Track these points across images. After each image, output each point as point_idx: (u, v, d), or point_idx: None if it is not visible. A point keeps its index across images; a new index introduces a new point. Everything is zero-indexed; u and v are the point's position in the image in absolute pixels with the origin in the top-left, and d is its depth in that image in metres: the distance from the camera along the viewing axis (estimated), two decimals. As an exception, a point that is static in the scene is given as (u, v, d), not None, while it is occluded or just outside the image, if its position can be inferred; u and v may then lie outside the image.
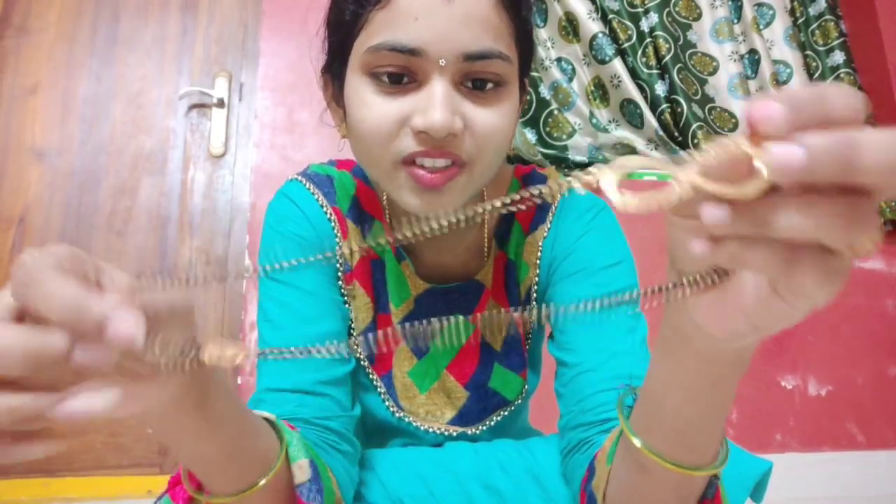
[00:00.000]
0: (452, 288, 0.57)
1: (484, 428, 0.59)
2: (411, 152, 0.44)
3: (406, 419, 0.58)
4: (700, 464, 0.36)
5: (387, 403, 0.58)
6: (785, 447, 1.58)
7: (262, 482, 0.38)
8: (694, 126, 1.66)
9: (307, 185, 0.56)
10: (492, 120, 0.45)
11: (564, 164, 1.65)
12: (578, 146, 1.66)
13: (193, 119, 1.66)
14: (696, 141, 1.66)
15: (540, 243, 0.56)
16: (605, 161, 1.69)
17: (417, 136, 0.44)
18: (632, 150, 1.73)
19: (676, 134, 1.70)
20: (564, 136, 1.66)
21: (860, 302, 1.70)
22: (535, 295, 0.58)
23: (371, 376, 0.59)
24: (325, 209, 0.55)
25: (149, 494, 1.42)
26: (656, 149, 1.72)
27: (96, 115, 1.61)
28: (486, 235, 0.56)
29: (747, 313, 0.24)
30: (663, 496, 0.38)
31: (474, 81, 0.45)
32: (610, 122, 1.76)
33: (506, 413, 0.59)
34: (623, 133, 1.74)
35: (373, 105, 0.45)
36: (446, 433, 0.58)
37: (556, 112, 1.67)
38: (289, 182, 0.57)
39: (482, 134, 0.45)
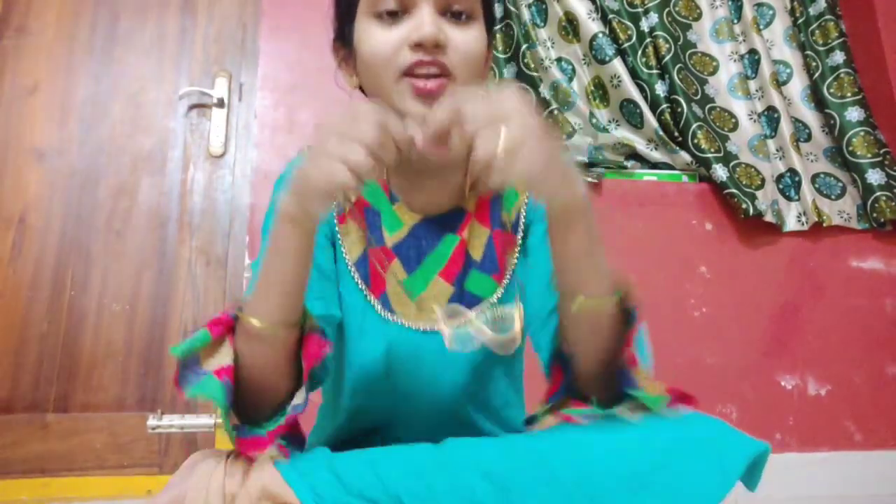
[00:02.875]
0: (441, 216, 0.69)
1: (466, 320, 0.65)
2: (410, 63, 0.56)
3: (399, 321, 0.67)
4: (594, 294, 0.55)
5: (382, 314, 0.67)
6: (784, 446, 1.58)
7: (296, 323, 0.55)
8: (694, 126, 1.66)
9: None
10: (467, 38, 0.59)
11: (564, 164, 1.65)
12: (579, 146, 1.66)
13: (193, 119, 1.65)
14: (695, 141, 1.66)
15: None
16: (605, 161, 1.69)
17: (413, 49, 0.56)
18: (632, 150, 1.73)
19: (676, 134, 1.70)
20: (564, 136, 1.66)
21: (859, 302, 1.70)
22: (524, 216, 0.70)
23: (368, 297, 0.68)
24: None
25: (149, 494, 1.42)
26: (656, 149, 1.72)
27: (95, 116, 1.61)
28: (467, 175, 0.69)
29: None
30: (587, 331, 0.56)
31: (452, 13, 0.59)
32: (610, 122, 1.76)
33: (486, 312, 0.66)
34: (623, 133, 1.74)
35: (378, 35, 0.58)
36: (435, 329, 0.66)
37: (556, 112, 1.67)
38: (295, 159, 0.73)
39: (461, 49, 0.58)
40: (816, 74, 1.82)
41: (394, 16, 0.58)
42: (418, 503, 0.50)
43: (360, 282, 0.68)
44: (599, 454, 0.49)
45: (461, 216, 0.69)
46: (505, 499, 0.49)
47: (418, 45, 0.56)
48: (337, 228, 0.69)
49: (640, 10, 1.75)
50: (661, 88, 1.69)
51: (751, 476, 0.51)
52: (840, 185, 1.76)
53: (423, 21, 0.56)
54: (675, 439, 0.49)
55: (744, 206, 1.61)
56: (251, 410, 0.55)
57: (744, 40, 1.85)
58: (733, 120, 1.77)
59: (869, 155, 1.71)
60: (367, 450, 0.56)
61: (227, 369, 0.52)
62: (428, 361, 0.67)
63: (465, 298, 0.67)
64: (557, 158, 0.47)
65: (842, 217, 1.72)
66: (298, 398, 0.55)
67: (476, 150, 0.44)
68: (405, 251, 0.68)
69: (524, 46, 1.70)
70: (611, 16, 1.72)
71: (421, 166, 0.66)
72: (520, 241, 0.70)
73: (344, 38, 0.65)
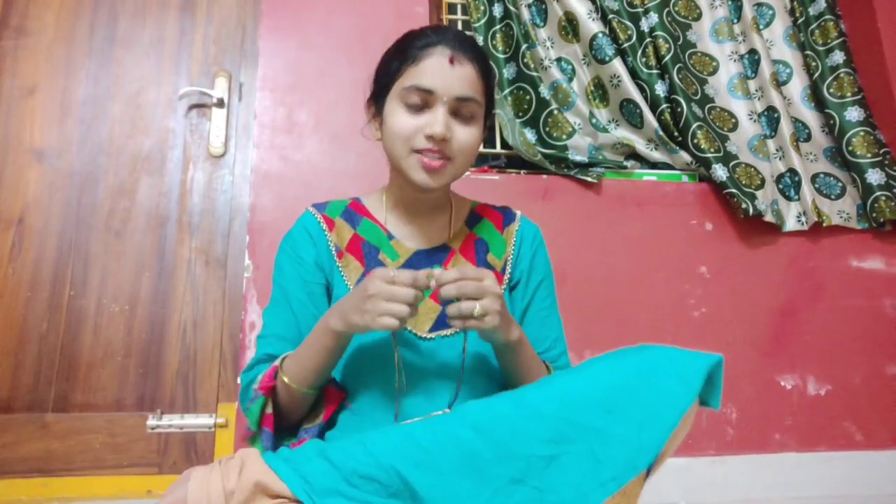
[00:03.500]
0: (431, 249, 0.86)
1: (454, 332, 0.80)
2: (422, 147, 0.77)
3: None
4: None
5: None
6: (783, 447, 1.58)
7: (323, 386, 0.79)
8: (694, 126, 1.66)
9: (310, 209, 0.89)
10: (466, 136, 0.79)
11: (564, 164, 1.65)
12: (578, 146, 1.66)
13: (193, 119, 1.65)
14: (695, 141, 1.66)
15: (514, 232, 0.91)
16: (605, 161, 1.69)
17: (427, 138, 0.76)
18: (632, 150, 1.73)
19: (676, 134, 1.70)
20: (564, 136, 1.66)
21: (858, 302, 1.70)
22: (511, 261, 0.88)
23: None
24: (316, 216, 0.88)
25: (148, 494, 1.42)
26: (656, 149, 1.72)
27: (95, 116, 1.61)
28: (450, 220, 0.89)
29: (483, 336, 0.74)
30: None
31: (460, 113, 0.78)
32: (610, 122, 1.76)
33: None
34: (623, 133, 1.74)
35: (402, 118, 0.78)
36: (427, 337, 0.80)
37: (556, 112, 1.67)
38: (303, 216, 0.91)
39: (461, 142, 0.78)
40: (816, 74, 1.82)
41: (417, 107, 0.77)
42: (414, 467, 0.54)
43: None
44: (573, 385, 0.57)
45: (446, 251, 0.86)
46: (496, 445, 0.54)
47: (430, 137, 0.76)
48: (337, 263, 0.84)
49: (640, 10, 1.75)
50: (660, 88, 1.69)
51: (711, 391, 0.59)
52: (840, 185, 1.76)
53: (437, 121, 0.76)
54: (637, 363, 0.57)
55: (744, 206, 1.61)
56: (283, 424, 0.79)
57: (744, 40, 1.85)
58: (733, 120, 1.77)
59: (869, 155, 1.71)
60: (358, 434, 0.59)
61: (268, 418, 0.76)
62: (426, 358, 0.80)
63: None
64: (507, 314, 0.71)
65: (842, 217, 1.72)
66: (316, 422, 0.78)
67: (461, 309, 0.67)
68: None
69: (524, 46, 1.70)
70: (611, 16, 1.72)
71: (413, 208, 0.86)
72: (506, 281, 0.87)
73: (376, 102, 0.84)
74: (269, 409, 0.76)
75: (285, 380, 0.74)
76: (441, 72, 0.76)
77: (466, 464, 0.54)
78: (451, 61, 0.76)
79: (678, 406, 0.54)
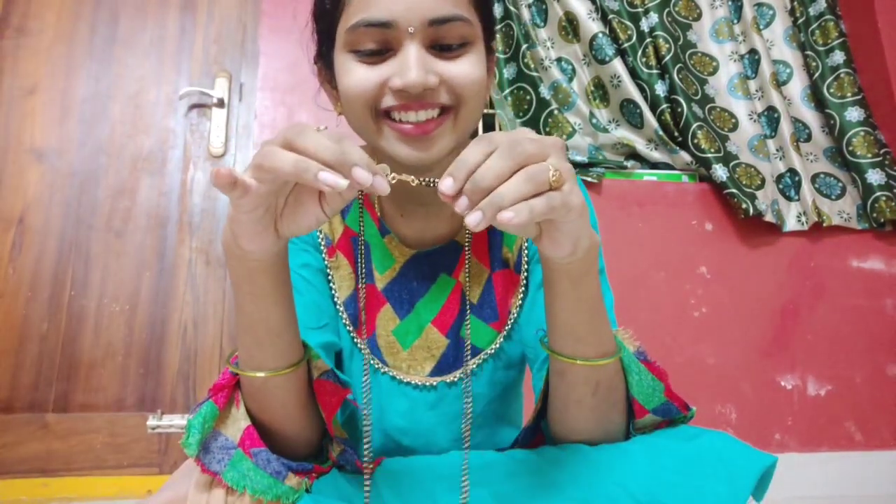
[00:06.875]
0: (435, 250, 0.64)
1: (461, 375, 0.63)
2: (390, 106, 0.51)
3: (390, 373, 0.63)
4: (591, 356, 0.48)
5: (373, 363, 0.63)
6: (784, 447, 1.58)
7: (297, 363, 0.50)
8: (694, 126, 1.66)
9: None
10: (464, 69, 0.52)
11: (564, 164, 1.65)
12: (578, 146, 1.66)
13: (193, 119, 1.65)
14: (695, 141, 1.66)
15: None
16: (605, 161, 1.69)
17: (397, 94, 0.51)
18: (632, 150, 1.73)
19: (676, 134, 1.70)
20: (564, 136, 1.66)
21: (859, 302, 1.70)
22: (525, 253, 0.64)
23: (355, 340, 0.63)
24: None
25: (148, 494, 1.42)
26: (656, 149, 1.72)
27: (95, 116, 1.61)
28: None
29: (556, 242, 0.41)
30: (578, 391, 0.50)
31: (443, 43, 0.52)
32: (610, 122, 1.76)
33: (479, 362, 0.63)
34: (623, 133, 1.74)
35: (357, 72, 0.52)
36: (426, 384, 0.63)
37: (556, 112, 1.67)
38: None
39: (458, 83, 0.52)
40: (816, 74, 1.82)
41: (374, 53, 0.51)
42: None
43: (348, 323, 0.63)
44: (610, 473, 0.47)
45: (456, 251, 0.64)
46: None
47: (401, 91, 0.50)
48: (326, 262, 0.63)
49: (640, 10, 1.75)
50: (661, 88, 1.69)
51: (758, 488, 0.49)
52: (840, 185, 1.76)
53: (408, 63, 0.49)
54: (684, 458, 0.48)
55: (744, 206, 1.61)
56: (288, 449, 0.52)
57: (744, 40, 1.85)
58: (733, 120, 1.77)
59: (869, 155, 1.71)
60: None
61: (249, 433, 0.49)
62: (422, 419, 0.63)
63: (460, 349, 0.63)
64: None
65: (842, 217, 1.72)
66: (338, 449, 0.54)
67: (531, 174, 0.37)
68: (396, 294, 0.64)
69: (524, 46, 1.70)
70: (611, 16, 1.72)
71: (410, 196, 0.62)
72: (523, 281, 0.64)
73: (324, 59, 0.59)
74: (246, 420, 0.50)
75: (251, 375, 0.49)
76: None
77: None
78: None
79: None
